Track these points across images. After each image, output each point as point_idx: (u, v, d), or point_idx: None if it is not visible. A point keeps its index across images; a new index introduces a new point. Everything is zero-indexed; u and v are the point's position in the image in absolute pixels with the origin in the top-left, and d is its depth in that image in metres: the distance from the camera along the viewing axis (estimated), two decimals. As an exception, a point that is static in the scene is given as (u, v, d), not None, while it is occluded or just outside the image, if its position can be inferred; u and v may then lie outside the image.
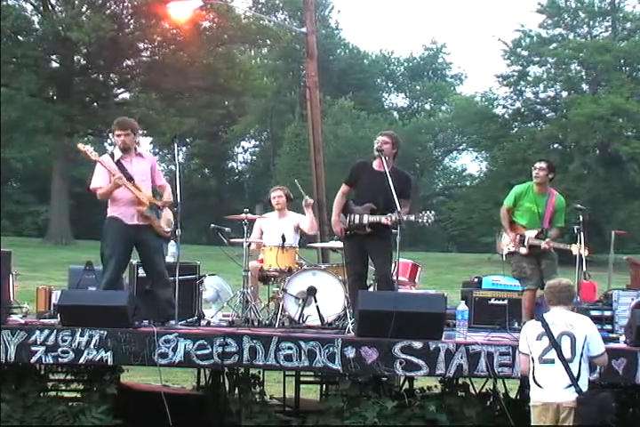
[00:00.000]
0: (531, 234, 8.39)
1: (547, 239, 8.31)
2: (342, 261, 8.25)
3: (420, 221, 7.77)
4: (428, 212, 7.79)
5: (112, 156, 7.66)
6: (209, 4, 29.43)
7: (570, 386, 5.69)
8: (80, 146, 7.65)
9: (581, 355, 5.76)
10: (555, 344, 5.75)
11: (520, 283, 8.32)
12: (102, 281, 7.52)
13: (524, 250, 8.37)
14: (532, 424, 5.88)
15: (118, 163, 7.57)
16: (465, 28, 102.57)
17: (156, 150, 50.03)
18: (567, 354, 5.74)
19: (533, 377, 5.87)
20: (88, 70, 39.33)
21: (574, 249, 8.17)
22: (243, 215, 8.42)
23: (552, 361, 5.75)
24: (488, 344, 6.85)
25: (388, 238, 7.73)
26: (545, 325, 5.85)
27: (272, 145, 53.27)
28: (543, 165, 8.49)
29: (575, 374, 5.69)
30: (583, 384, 5.72)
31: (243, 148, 59.06)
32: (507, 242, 8.59)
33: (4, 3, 34.96)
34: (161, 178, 7.84)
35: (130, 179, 7.49)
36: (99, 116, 37.20)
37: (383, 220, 7.69)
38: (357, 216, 7.88)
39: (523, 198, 8.51)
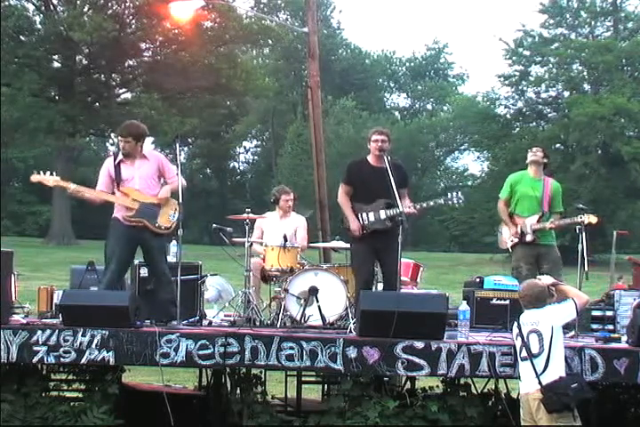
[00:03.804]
0: (532, 220, 8.46)
1: (550, 219, 8.40)
2: (352, 263, 8.15)
3: (450, 203, 7.84)
4: (455, 193, 7.83)
5: (115, 157, 7.70)
6: (211, 4, 29.45)
7: (535, 378, 6.22)
8: (33, 178, 7.63)
9: (550, 348, 6.24)
10: (524, 343, 6.35)
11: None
12: (103, 281, 7.54)
13: (529, 237, 8.41)
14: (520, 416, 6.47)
15: (117, 166, 7.60)
16: (467, 27, 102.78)
17: (158, 150, 50.11)
18: (535, 350, 6.29)
19: (518, 372, 6.52)
20: (90, 70, 39.38)
21: (585, 219, 8.21)
22: (244, 215, 8.42)
23: (525, 358, 6.34)
24: (490, 344, 6.84)
25: (398, 237, 7.68)
26: (518, 326, 6.48)
27: (274, 145, 53.31)
28: (539, 148, 8.78)
29: (540, 369, 6.22)
30: (550, 377, 6.19)
31: (244, 148, 59.22)
32: (508, 235, 8.61)
33: (6, 3, 34.99)
34: (171, 173, 7.74)
35: (118, 183, 7.52)
36: (101, 116, 37.28)
37: (406, 210, 7.64)
38: (372, 213, 7.82)
39: (518, 185, 8.62)
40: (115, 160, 7.63)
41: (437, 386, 7.34)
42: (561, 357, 6.33)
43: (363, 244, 7.89)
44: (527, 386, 6.32)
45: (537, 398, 6.19)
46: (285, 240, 8.35)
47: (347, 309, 7.84)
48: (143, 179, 7.59)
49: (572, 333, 7.46)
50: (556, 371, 6.23)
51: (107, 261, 7.54)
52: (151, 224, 7.52)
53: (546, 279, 6.76)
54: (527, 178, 8.67)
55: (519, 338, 6.42)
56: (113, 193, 7.61)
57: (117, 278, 7.58)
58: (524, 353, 6.34)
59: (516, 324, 6.51)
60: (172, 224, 7.63)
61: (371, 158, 8.03)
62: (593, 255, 8.41)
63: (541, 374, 6.21)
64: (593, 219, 8.16)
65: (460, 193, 7.89)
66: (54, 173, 7.69)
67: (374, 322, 6.79)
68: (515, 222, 8.59)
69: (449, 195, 7.90)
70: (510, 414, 6.82)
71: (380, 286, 8.11)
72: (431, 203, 7.91)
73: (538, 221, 8.49)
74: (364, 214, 7.87)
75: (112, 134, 38.15)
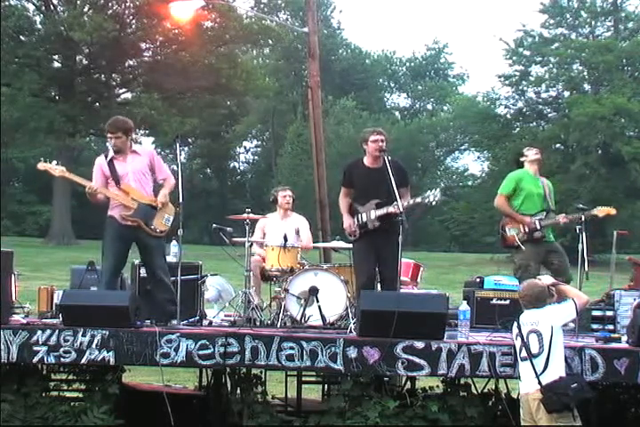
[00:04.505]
0: (539, 217, 8.45)
1: (561, 214, 8.40)
2: (352, 262, 8.20)
3: (427, 201, 7.78)
4: (433, 190, 7.79)
5: (106, 156, 7.70)
6: (211, 4, 29.45)
7: (535, 378, 6.21)
8: (40, 165, 7.64)
9: (549, 348, 6.23)
10: (524, 343, 6.35)
11: (519, 281, 8.27)
12: (102, 281, 7.56)
13: (539, 234, 8.40)
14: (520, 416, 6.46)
15: (110, 163, 7.61)
16: (467, 27, 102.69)
17: (158, 150, 50.08)
18: (534, 350, 6.29)
19: (518, 372, 6.51)
20: (90, 70, 39.35)
21: (598, 212, 8.23)
22: (244, 215, 8.42)
23: (525, 358, 6.34)
24: (490, 344, 6.84)
25: (398, 238, 7.69)
26: (518, 326, 6.46)
27: (274, 145, 53.28)
28: (538, 149, 8.87)
29: (540, 369, 6.21)
30: (550, 377, 6.19)
31: (245, 148, 59.14)
32: (515, 233, 8.55)
33: (6, 2, 34.98)
34: (163, 170, 7.77)
35: (117, 181, 7.52)
36: (101, 116, 37.13)
37: (390, 209, 7.66)
38: (364, 214, 7.88)
39: (523, 182, 8.61)
40: (106, 158, 7.65)
41: (437, 386, 7.35)
42: (561, 357, 6.32)
43: (362, 243, 7.95)
44: (527, 386, 6.31)
45: (537, 398, 6.18)
46: (285, 240, 8.35)
47: (347, 309, 7.85)
48: (136, 173, 7.61)
49: (572, 325, 7.45)
50: (556, 371, 6.22)
51: (103, 260, 7.57)
52: (147, 226, 7.53)
53: (546, 279, 6.76)
54: (529, 176, 8.68)
55: (519, 338, 6.41)
56: None
57: (114, 278, 7.60)
58: (524, 353, 6.33)
59: (515, 324, 6.49)
60: (167, 228, 7.66)
61: (367, 160, 8.07)
62: (593, 255, 8.40)
63: (541, 374, 6.20)
64: (612, 211, 8.22)
65: (437, 190, 7.83)
66: (59, 164, 7.72)
67: (374, 322, 6.79)
68: (521, 219, 8.56)
69: (427, 193, 7.85)
70: (510, 414, 6.82)
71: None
72: (411, 202, 7.87)
73: (545, 218, 8.50)
74: (359, 216, 7.93)
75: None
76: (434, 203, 7.80)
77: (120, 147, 7.61)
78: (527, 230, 8.47)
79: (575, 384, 6.17)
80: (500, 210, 8.76)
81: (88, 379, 7.27)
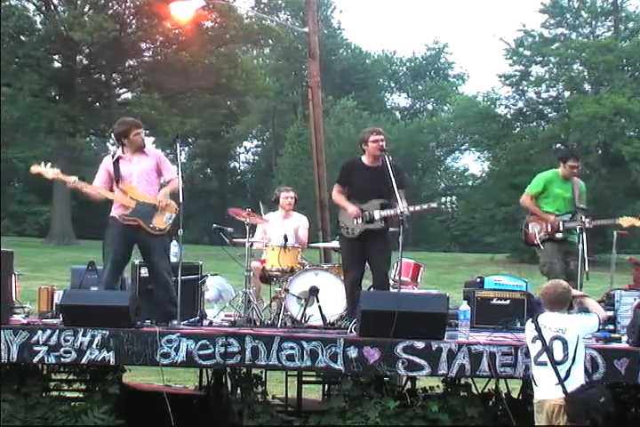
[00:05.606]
0: (564, 218, 8.42)
1: (587, 219, 8.36)
2: (342, 263, 8.18)
3: (442, 207, 7.80)
4: (449, 198, 7.80)
5: (113, 155, 7.71)
6: (211, 4, 29.46)
7: (558, 385, 5.98)
8: (33, 169, 7.61)
9: (574, 357, 6.03)
10: (546, 349, 6.06)
11: (547, 279, 8.21)
12: (102, 281, 7.56)
13: (560, 235, 8.36)
14: (535, 421, 6.18)
15: (115, 163, 7.60)
16: (467, 27, 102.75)
17: (159, 150, 50.03)
18: (559, 357, 6.03)
19: (532, 376, 6.23)
20: (90, 70, 39.37)
21: (623, 222, 8.22)
22: (245, 212, 8.42)
23: (545, 363, 6.06)
24: (490, 344, 6.83)
25: (389, 238, 7.75)
26: (538, 329, 6.16)
27: (274, 145, 53.33)
28: (580, 163, 8.82)
29: (564, 376, 5.99)
30: (573, 385, 5.98)
31: (245, 148, 59.20)
32: (537, 231, 8.51)
33: (6, 2, 35.00)
34: (170, 172, 7.75)
35: (117, 181, 7.53)
36: (101, 116, 37.28)
37: (397, 211, 7.61)
38: (367, 213, 7.83)
39: (552, 184, 8.56)
40: (113, 158, 7.65)
41: (438, 386, 7.34)
42: (582, 365, 6.15)
43: (352, 243, 7.92)
44: (547, 392, 6.06)
45: (559, 404, 5.98)
46: (286, 240, 8.35)
47: (347, 309, 7.85)
48: (141, 175, 7.60)
49: None
50: (578, 379, 6.06)
51: (104, 260, 7.56)
52: (145, 224, 7.51)
53: (574, 291, 6.57)
54: (558, 179, 8.63)
55: (538, 341, 6.15)
56: (111, 190, 7.61)
57: (113, 278, 7.59)
58: (544, 358, 6.09)
59: (533, 325, 6.22)
60: (167, 227, 7.61)
61: (366, 158, 8.06)
62: (593, 255, 8.38)
63: (564, 381, 6.00)
64: (637, 222, 8.19)
65: (453, 198, 7.85)
66: (54, 167, 7.68)
67: (375, 322, 6.79)
68: (546, 218, 8.52)
69: (442, 199, 7.86)
70: (510, 414, 6.82)
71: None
72: (425, 206, 7.89)
73: (570, 220, 8.48)
74: (364, 213, 7.85)
75: (112, 134, 38.19)
76: (449, 210, 7.83)
77: (143, 142, 7.69)
78: (550, 229, 8.42)
79: (603, 399, 6.01)
80: (525, 207, 8.70)
81: (88, 379, 7.27)
